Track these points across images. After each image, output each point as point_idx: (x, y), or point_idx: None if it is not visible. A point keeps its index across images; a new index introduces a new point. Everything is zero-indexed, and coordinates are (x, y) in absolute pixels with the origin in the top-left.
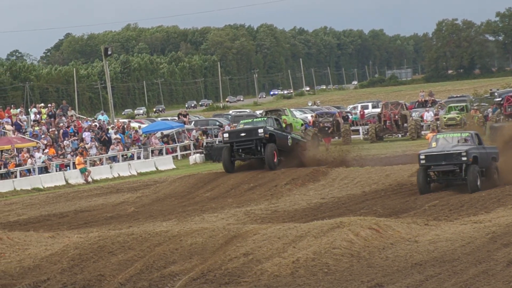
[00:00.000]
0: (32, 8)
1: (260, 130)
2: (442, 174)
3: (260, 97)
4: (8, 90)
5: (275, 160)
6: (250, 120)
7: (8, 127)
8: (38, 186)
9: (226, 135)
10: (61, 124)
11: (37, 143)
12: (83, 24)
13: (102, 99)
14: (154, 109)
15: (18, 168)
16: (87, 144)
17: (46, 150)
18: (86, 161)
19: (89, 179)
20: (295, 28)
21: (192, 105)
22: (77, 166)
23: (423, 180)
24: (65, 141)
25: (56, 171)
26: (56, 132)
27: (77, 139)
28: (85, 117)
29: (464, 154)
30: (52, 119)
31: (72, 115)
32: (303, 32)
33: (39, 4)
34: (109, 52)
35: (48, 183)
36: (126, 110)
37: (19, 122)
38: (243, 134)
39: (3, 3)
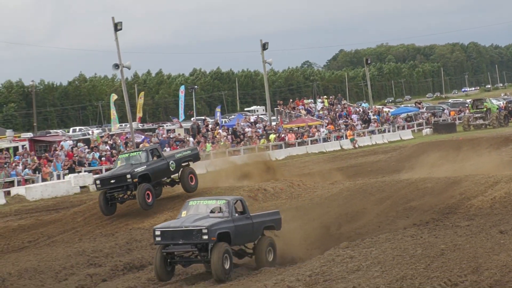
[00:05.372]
0: (323, 32)
1: (128, 176)
2: (183, 254)
3: (453, 93)
4: (302, 87)
5: (150, 200)
6: (127, 155)
7: (303, 111)
8: (322, 150)
9: (98, 182)
10: (337, 109)
11: (321, 122)
12: (352, 43)
13: (364, 93)
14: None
15: (309, 139)
16: (355, 122)
17: (328, 127)
18: (354, 134)
19: (356, 146)
20: (492, 44)
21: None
22: (348, 137)
23: (160, 263)
24: (340, 121)
25: (334, 140)
26: (334, 115)
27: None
28: (353, 105)
29: (205, 231)
30: (331, 106)
31: (344, 103)
32: (498, 47)
33: (329, 29)
34: (369, 62)
35: (329, 148)
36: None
37: (309, 108)
38: (113, 181)
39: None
